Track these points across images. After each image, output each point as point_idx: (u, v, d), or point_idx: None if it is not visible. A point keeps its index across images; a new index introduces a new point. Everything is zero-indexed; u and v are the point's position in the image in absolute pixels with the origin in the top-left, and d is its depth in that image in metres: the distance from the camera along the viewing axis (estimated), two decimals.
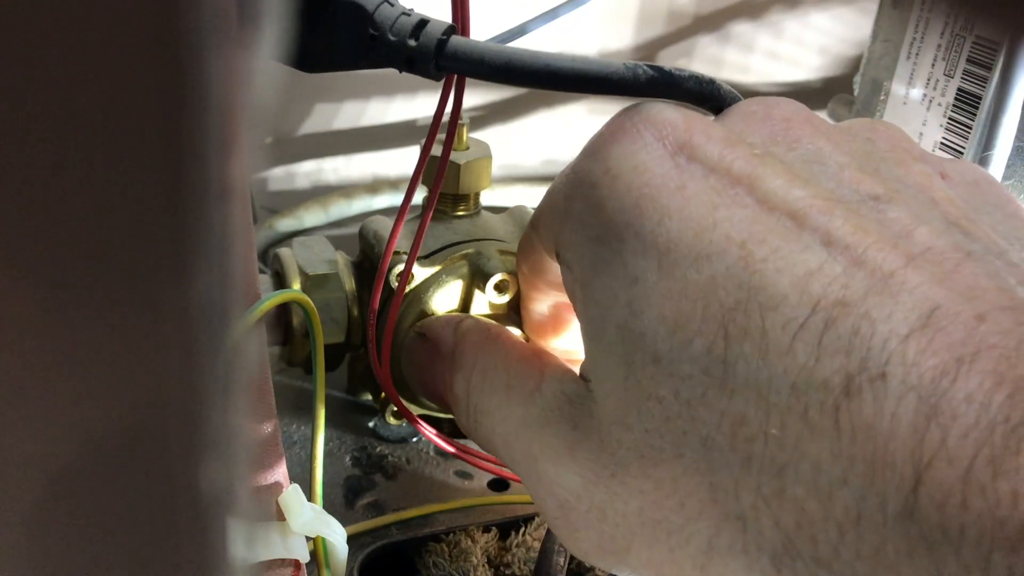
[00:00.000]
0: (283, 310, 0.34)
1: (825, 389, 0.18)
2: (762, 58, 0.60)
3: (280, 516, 0.26)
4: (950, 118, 0.41)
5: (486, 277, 0.33)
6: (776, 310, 0.19)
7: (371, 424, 0.38)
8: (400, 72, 0.26)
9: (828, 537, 0.18)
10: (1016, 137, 0.40)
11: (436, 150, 0.31)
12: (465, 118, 0.32)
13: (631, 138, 0.22)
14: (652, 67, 0.24)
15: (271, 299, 0.25)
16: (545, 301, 0.30)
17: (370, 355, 0.32)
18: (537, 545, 0.32)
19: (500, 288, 0.33)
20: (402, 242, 0.33)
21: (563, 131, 0.58)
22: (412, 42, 0.25)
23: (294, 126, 0.53)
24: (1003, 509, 0.16)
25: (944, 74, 0.41)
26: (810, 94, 0.61)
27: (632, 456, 0.21)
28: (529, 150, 0.58)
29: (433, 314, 0.33)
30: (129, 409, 0.12)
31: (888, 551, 0.17)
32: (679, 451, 0.20)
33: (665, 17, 0.57)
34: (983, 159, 0.40)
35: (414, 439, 0.38)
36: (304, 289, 0.34)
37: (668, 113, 0.22)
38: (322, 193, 0.54)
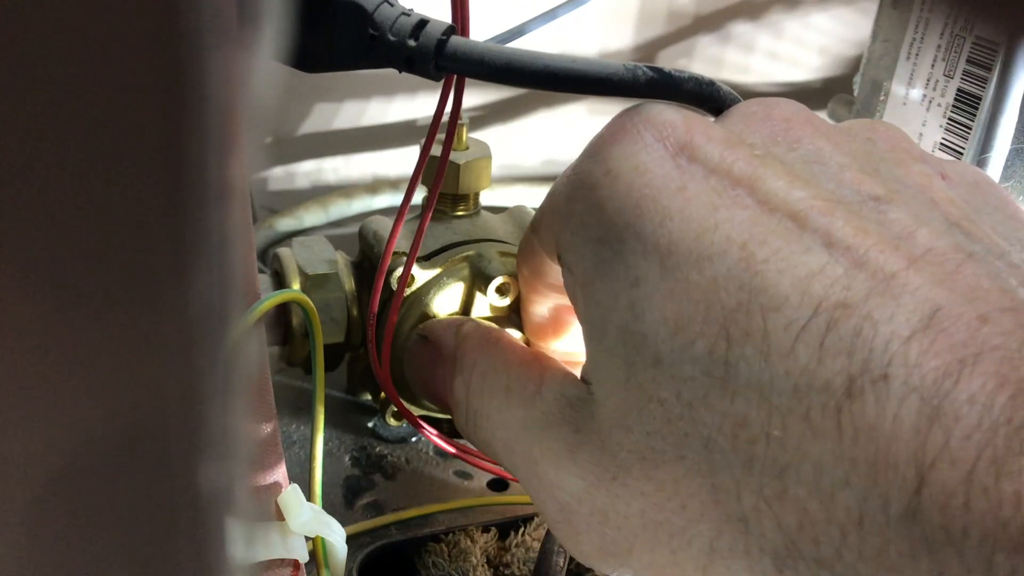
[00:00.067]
0: (283, 310, 0.34)
1: (827, 390, 0.18)
2: (762, 58, 0.60)
3: (279, 516, 0.25)
4: (950, 119, 0.41)
5: (487, 280, 0.33)
6: (778, 311, 0.19)
7: (370, 424, 0.38)
8: (400, 72, 0.26)
9: (830, 538, 0.18)
10: (1014, 139, 0.40)
11: (436, 150, 0.31)
12: (465, 118, 0.32)
13: (632, 139, 0.22)
14: (652, 68, 0.24)
15: (271, 299, 0.25)
16: (545, 303, 0.30)
17: (370, 356, 0.32)
18: (536, 545, 0.32)
19: (501, 291, 0.33)
20: (402, 242, 0.33)
21: (563, 131, 0.58)
22: (412, 42, 0.25)
23: (294, 126, 0.53)
24: (1006, 510, 0.16)
25: (944, 75, 0.41)
26: (810, 94, 0.61)
27: (633, 458, 0.21)
28: (529, 150, 0.58)
29: (434, 316, 0.33)
30: (129, 409, 0.12)
31: (891, 552, 0.17)
32: (681, 453, 0.20)
33: (665, 17, 0.57)
34: (981, 161, 0.40)
35: (413, 439, 0.38)
36: (304, 289, 0.34)
37: (668, 114, 0.22)
38: (322, 193, 0.54)
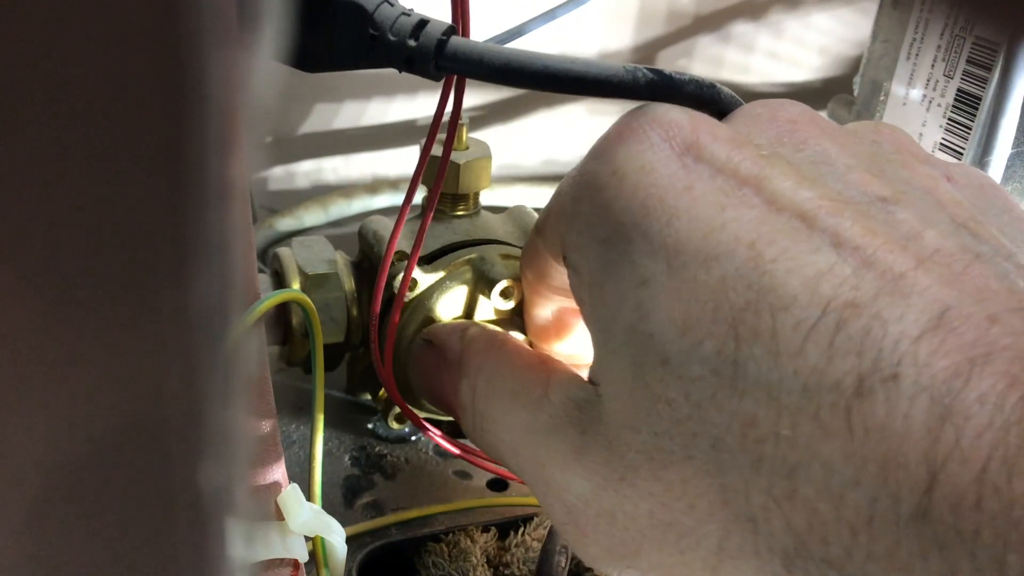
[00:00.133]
0: (282, 310, 0.34)
1: (837, 390, 0.18)
2: (762, 58, 0.60)
3: (279, 516, 0.26)
4: (950, 119, 0.41)
5: (491, 283, 0.32)
6: (787, 311, 0.19)
7: (370, 425, 0.38)
8: (400, 72, 0.26)
9: (840, 538, 0.18)
10: (1016, 141, 0.40)
11: (436, 150, 0.31)
12: (465, 118, 0.32)
13: (638, 139, 0.22)
14: (652, 70, 0.24)
15: (270, 299, 0.25)
16: (549, 306, 0.30)
17: (373, 356, 0.32)
18: (536, 545, 0.32)
19: (505, 294, 0.33)
20: (402, 242, 0.33)
21: (563, 131, 0.58)
22: (412, 42, 0.25)
23: (294, 126, 0.53)
24: (1018, 510, 0.16)
25: (944, 75, 0.41)
26: (810, 94, 0.61)
27: (641, 459, 0.21)
28: (529, 150, 0.58)
29: (437, 320, 0.33)
30: (129, 409, 0.12)
31: (901, 553, 0.17)
32: (689, 453, 0.20)
33: (665, 17, 0.57)
34: (982, 165, 0.40)
35: (412, 438, 0.38)
36: (303, 289, 0.34)
37: (674, 114, 0.22)
38: (322, 193, 0.54)
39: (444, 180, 0.31)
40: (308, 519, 0.25)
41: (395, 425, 0.37)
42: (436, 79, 0.26)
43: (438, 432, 0.32)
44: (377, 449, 0.37)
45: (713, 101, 0.25)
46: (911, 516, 0.17)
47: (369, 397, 0.39)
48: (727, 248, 0.20)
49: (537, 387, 0.24)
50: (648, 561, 0.21)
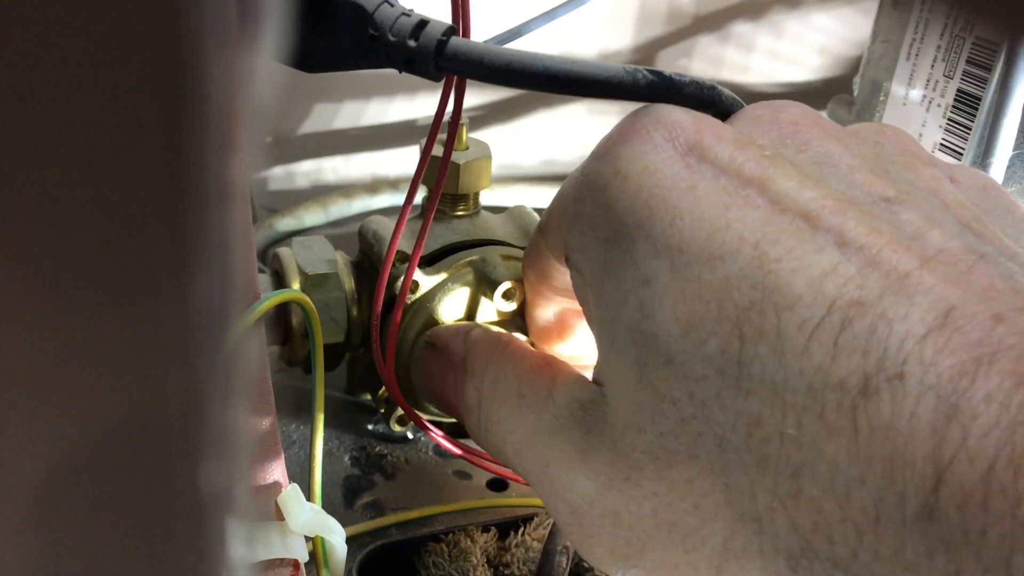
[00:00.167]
0: (282, 309, 0.34)
1: (842, 389, 0.18)
2: (762, 58, 0.60)
3: (279, 516, 0.26)
4: (949, 119, 0.41)
5: (493, 285, 0.32)
6: (791, 310, 0.19)
7: (370, 426, 0.38)
8: (400, 72, 0.26)
9: (846, 538, 0.18)
10: (1016, 142, 0.40)
11: (436, 150, 0.31)
12: (465, 118, 0.32)
13: (641, 139, 0.22)
14: (652, 72, 0.24)
15: (270, 299, 0.25)
16: (551, 307, 0.30)
17: (374, 355, 0.32)
18: (536, 545, 0.32)
19: (508, 296, 0.33)
20: (402, 243, 0.33)
21: (563, 131, 0.58)
22: (412, 43, 0.25)
23: (294, 126, 0.53)
24: None
25: (944, 75, 0.41)
26: (810, 94, 0.61)
27: (646, 459, 0.21)
28: (529, 150, 0.58)
29: (440, 322, 0.33)
30: (129, 409, 0.12)
31: (907, 552, 0.17)
32: (694, 452, 0.20)
33: (665, 17, 0.57)
34: (982, 167, 0.40)
35: (412, 439, 0.38)
36: (303, 289, 0.34)
37: (678, 115, 0.22)
38: (322, 193, 0.54)
39: (444, 180, 0.31)
40: (308, 519, 0.25)
41: (397, 428, 0.37)
42: (436, 79, 0.26)
43: (440, 433, 0.32)
44: (377, 449, 0.37)
45: (713, 103, 0.25)
46: (917, 515, 0.17)
47: (369, 397, 0.39)
48: (731, 248, 0.20)
49: (542, 388, 0.24)
50: (652, 561, 0.21)
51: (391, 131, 0.55)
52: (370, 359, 0.36)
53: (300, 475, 0.28)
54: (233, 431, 0.13)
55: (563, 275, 0.26)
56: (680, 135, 0.22)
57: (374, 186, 0.54)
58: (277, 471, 0.26)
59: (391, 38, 0.25)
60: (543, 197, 0.54)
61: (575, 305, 0.26)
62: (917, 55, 0.43)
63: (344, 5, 0.25)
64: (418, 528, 0.33)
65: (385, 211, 0.53)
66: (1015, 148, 0.40)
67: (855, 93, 0.47)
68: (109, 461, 0.12)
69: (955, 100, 0.41)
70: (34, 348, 0.11)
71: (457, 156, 0.34)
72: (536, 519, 0.34)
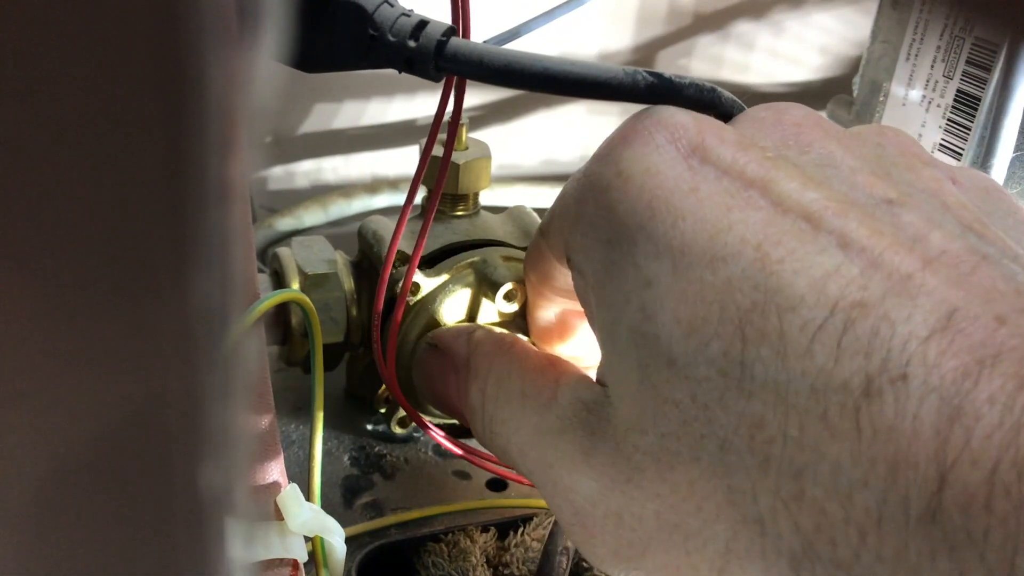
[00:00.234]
0: (282, 309, 0.34)
1: (845, 390, 0.18)
2: (762, 58, 0.60)
3: (278, 516, 0.26)
4: (949, 119, 0.41)
5: (495, 286, 0.32)
6: (794, 312, 0.19)
7: (369, 427, 0.38)
8: (400, 73, 0.26)
9: (848, 540, 0.18)
10: (1017, 143, 0.40)
11: (436, 151, 0.31)
12: (465, 118, 0.32)
13: (643, 141, 0.22)
14: (652, 74, 0.24)
15: (270, 299, 0.25)
16: (552, 308, 0.30)
17: (375, 356, 0.32)
18: (536, 545, 0.32)
19: (509, 297, 0.33)
20: (402, 243, 0.33)
21: (563, 131, 0.58)
22: (412, 43, 0.25)
23: (294, 125, 0.53)
24: None
25: (943, 75, 0.41)
26: (810, 94, 0.61)
27: (648, 460, 0.21)
28: (528, 150, 0.58)
29: (441, 324, 0.33)
30: (128, 409, 0.12)
31: (910, 554, 0.17)
32: (696, 454, 0.20)
33: (665, 17, 0.57)
34: (983, 168, 0.40)
35: (412, 439, 0.38)
36: (303, 289, 0.34)
37: (680, 116, 0.22)
38: (321, 192, 0.54)
39: (444, 180, 0.31)
40: (307, 519, 0.25)
41: (398, 430, 0.37)
42: (436, 80, 0.26)
43: (441, 433, 0.32)
44: (376, 449, 0.37)
45: (713, 105, 0.25)
46: (920, 517, 0.17)
47: (368, 397, 0.39)
48: (733, 249, 0.20)
49: (546, 389, 0.24)
50: (654, 562, 0.21)
51: (391, 131, 0.55)
52: (370, 359, 0.36)
53: (299, 475, 0.28)
54: (233, 431, 0.13)
55: (565, 276, 0.26)
56: (682, 137, 0.22)
57: (374, 186, 0.54)
58: (276, 471, 0.26)
59: (391, 38, 0.25)
60: (543, 197, 0.54)
61: (576, 306, 0.26)
62: (917, 55, 0.43)
63: (344, 5, 0.25)
64: (417, 528, 0.33)
65: (385, 211, 0.53)
66: (1016, 150, 0.40)
67: (855, 93, 0.47)
68: (109, 461, 0.12)
69: (954, 100, 0.41)
70: (34, 348, 0.11)
71: (457, 156, 0.34)
72: (536, 519, 0.34)
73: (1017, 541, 0.16)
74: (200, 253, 0.11)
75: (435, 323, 0.33)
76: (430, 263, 0.34)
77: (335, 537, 0.27)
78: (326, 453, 0.37)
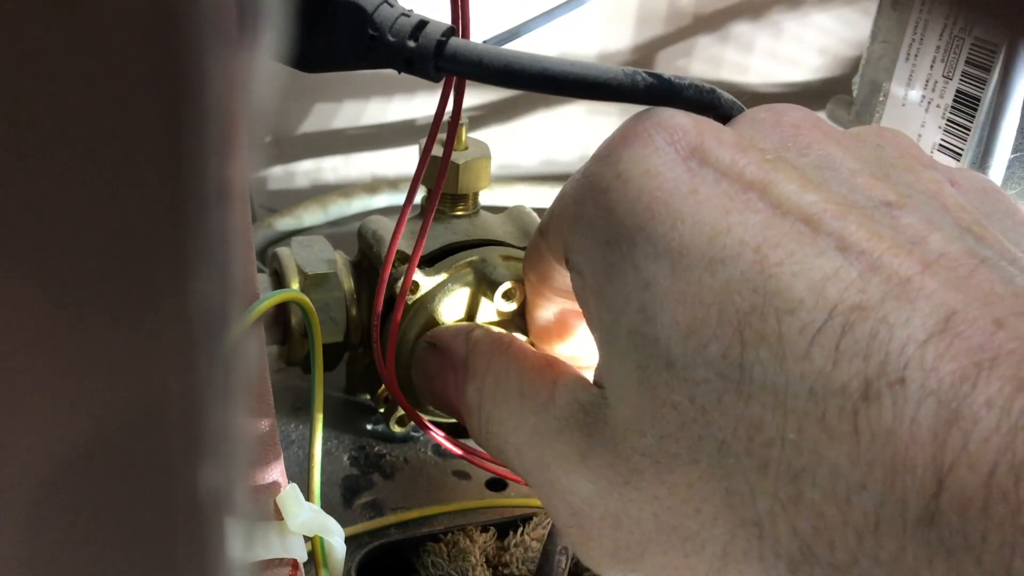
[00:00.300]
0: (282, 309, 0.34)
1: (843, 394, 0.18)
2: (762, 58, 0.60)
3: (278, 516, 0.26)
4: (948, 120, 0.41)
5: (494, 286, 0.32)
6: (793, 314, 0.19)
7: (369, 427, 0.38)
8: (399, 73, 0.26)
9: (846, 543, 0.18)
10: (1016, 144, 0.40)
11: (436, 151, 0.31)
12: (464, 118, 0.32)
13: (643, 142, 0.22)
14: (651, 75, 0.24)
15: (270, 299, 0.25)
16: (551, 308, 0.30)
17: (375, 356, 0.32)
18: (535, 545, 0.32)
19: (508, 296, 0.33)
20: (402, 243, 0.33)
21: (562, 131, 0.58)
22: (411, 43, 0.25)
23: (293, 125, 0.53)
24: None
25: (943, 76, 0.41)
26: (809, 95, 0.61)
27: (647, 462, 0.21)
28: (528, 150, 0.58)
29: (440, 323, 0.33)
30: (129, 409, 0.12)
31: (907, 558, 0.17)
32: (694, 456, 0.20)
33: (664, 17, 0.57)
34: (981, 169, 0.40)
35: (412, 439, 0.38)
36: (303, 288, 0.34)
37: (679, 118, 0.22)
38: (321, 192, 0.54)
39: (444, 180, 0.31)
40: (307, 519, 0.25)
41: (397, 429, 0.37)
42: (435, 80, 0.26)
43: (441, 433, 0.32)
44: (376, 449, 0.37)
45: (712, 106, 0.25)
46: (918, 521, 0.17)
47: (368, 397, 0.39)
48: (732, 252, 0.20)
49: (544, 389, 0.24)
50: (652, 565, 0.21)
51: (390, 131, 0.55)
52: (369, 359, 0.36)
53: (299, 475, 0.28)
54: (232, 431, 0.13)
55: (563, 276, 0.26)
56: (682, 138, 0.22)
57: (373, 186, 0.54)
58: (276, 471, 0.26)
59: (391, 38, 0.25)
60: (542, 197, 0.54)
61: (575, 306, 0.26)
62: (916, 56, 0.43)
63: (344, 5, 0.25)
64: (417, 528, 0.33)
65: (384, 211, 0.53)
66: (1014, 150, 0.40)
67: (854, 93, 0.47)
68: (109, 461, 0.12)
69: (954, 101, 0.41)
70: (33, 349, 0.11)
71: (456, 156, 0.34)
72: (535, 519, 0.34)
73: (1014, 545, 0.16)
74: (200, 253, 0.11)
75: (434, 322, 0.33)
76: (430, 263, 0.34)
77: (335, 537, 0.27)
78: (326, 453, 0.37)
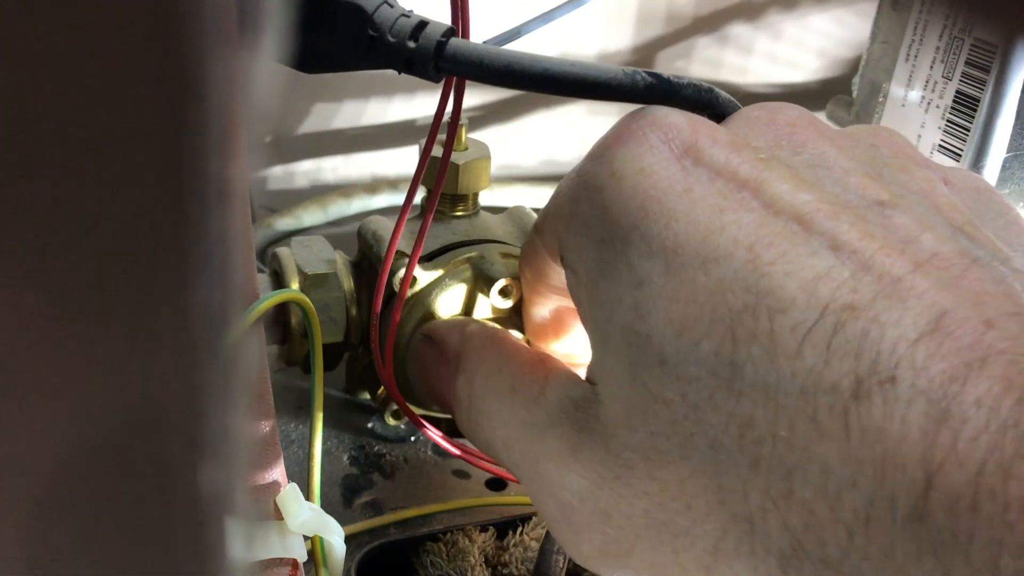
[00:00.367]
0: (282, 309, 0.34)
1: (834, 392, 0.18)
2: (760, 60, 0.60)
3: (278, 515, 0.26)
4: (948, 120, 0.41)
5: (490, 282, 0.33)
6: (785, 313, 0.19)
7: (369, 425, 0.38)
8: (399, 73, 0.26)
9: (837, 539, 0.18)
10: (1014, 143, 0.40)
11: (436, 151, 0.31)
12: (464, 118, 0.32)
13: (637, 141, 0.22)
14: (651, 74, 0.24)
15: (270, 299, 0.25)
16: (547, 305, 0.30)
17: (373, 355, 0.32)
18: (534, 545, 0.32)
19: (504, 293, 0.33)
20: (401, 243, 0.33)
21: (562, 131, 0.58)
22: (411, 44, 0.25)
23: (293, 125, 0.53)
24: (1013, 513, 0.16)
25: (943, 76, 0.41)
26: (808, 96, 0.61)
27: (637, 458, 0.21)
28: (528, 150, 0.58)
29: (436, 317, 0.33)
30: (129, 410, 0.12)
31: (897, 554, 0.17)
32: (686, 453, 0.20)
33: (664, 18, 0.57)
34: (977, 168, 0.40)
35: (412, 438, 0.38)
36: (303, 288, 0.34)
37: (674, 117, 0.22)
38: (321, 192, 0.54)
39: (444, 181, 0.31)
40: (307, 519, 0.25)
41: (391, 421, 0.37)
42: (435, 80, 0.26)
43: (438, 432, 0.32)
44: (376, 448, 0.37)
45: (710, 104, 0.25)
46: (907, 518, 0.17)
47: (368, 396, 0.39)
48: (725, 251, 0.20)
49: (535, 384, 0.25)
50: (641, 561, 0.21)
51: (390, 131, 0.55)
52: (369, 359, 0.36)
53: (299, 474, 0.28)
54: (233, 431, 0.13)
55: (559, 274, 0.26)
56: (676, 137, 0.22)
57: (373, 186, 0.54)
58: (276, 471, 0.26)
59: (391, 39, 0.25)
60: (542, 197, 0.54)
61: (571, 304, 0.26)
62: (916, 56, 0.43)
63: (344, 6, 0.25)
64: (416, 528, 0.33)
65: (384, 211, 0.53)
66: (1011, 150, 0.40)
67: (854, 94, 0.47)
68: (109, 461, 0.12)
69: (954, 101, 0.41)
70: (34, 350, 0.11)
71: (456, 156, 0.34)
72: (534, 519, 0.34)
73: (1002, 542, 0.16)
74: (200, 253, 0.11)
75: (431, 316, 0.33)
76: (429, 261, 0.34)
77: (334, 536, 0.27)
78: (326, 452, 0.37)
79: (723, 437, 0.19)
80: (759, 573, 0.19)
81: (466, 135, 0.35)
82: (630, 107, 0.24)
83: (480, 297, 0.33)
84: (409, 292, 0.33)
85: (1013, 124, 0.39)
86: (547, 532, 0.31)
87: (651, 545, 0.21)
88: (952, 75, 0.41)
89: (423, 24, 0.25)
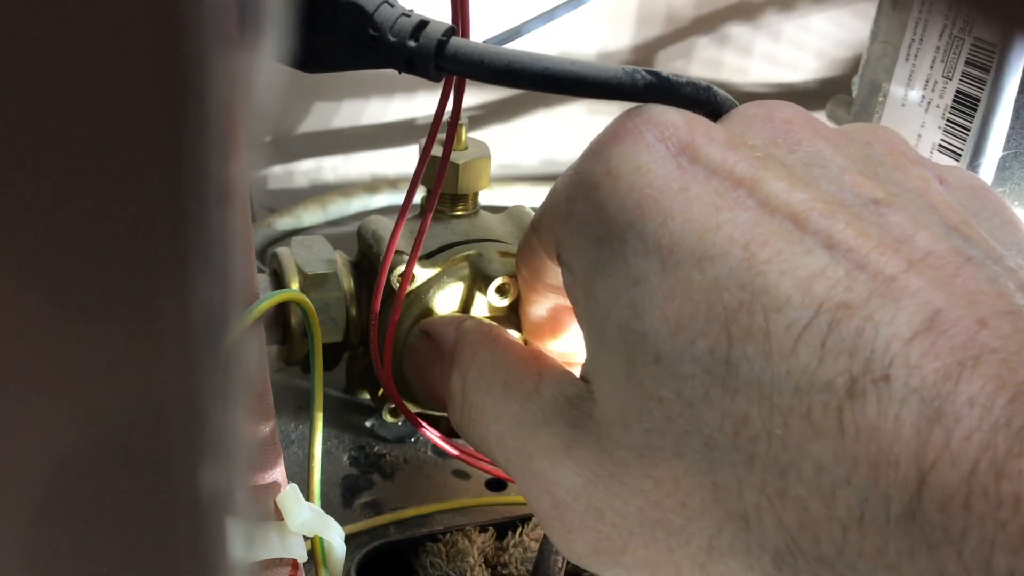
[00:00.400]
0: (281, 309, 0.34)
1: (829, 390, 0.18)
2: (760, 60, 0.60)
3: (278, 516, 0.26)
4: (948, 120, 0.41)
5: (487, 280, 0.33)
6: (779, 312, 0.19)
7: (369, 424, 0.38)
8: (400, 73, 0.26)
9: (831, 536, 0.18)
10: (1012, 144, 0.40)
11: (435, 150, 0.31)
12: (464, 118, 0.32)
13: (633, 139, 0.22)
14: (650, 72, 0.24)
15: (270, 299, 0.25)
16: (544, 304, 0.30)
17: (372, 355, 0.32)
18: (534, 545, 0.32)
19: (501, 291, 0.33)
20: (401, 243, 0.33)
21: (562, 131, 0.58)
22: (412, 43, 0.25)
23: (293, 125, 0.53)
24: (1005, 512, 0.16)
25: (943, 76, 0.41)
26: (808, 96, 0.61)
27: (631, 456, 0.21)
28: (528, 150, 0.58)
29: (434, 315, 0.33)
30: (129, 410, 0.12)
31: (890, 551, 0.17)
32: (680, 451, 0.20)
33: (663, 19, 0.57)
34: (973, 167, 0.40)
35: (412, 439, 0.38)
36: (302, 288, 0.34)
37: (670, 115, 0.22)
38: (321, 192, 0.54)
39: (443, 180, 0.31)
40: (307, 519, 0.25)
41: (389, 418, 0.37)
42: (436, 80, 0.26)
43: (436, 433, 0.32)
44: (376, 449, 0.37)
45: (709, 103, 0.25)
46: (901, 515, 0.17)
47: (367, 396, 0.39)
48: (721, 249, 0.20)
49: (529, 381, 0.25)
50: (635, 559, 0.21)
51: (390, 130, 0.55)
52: (369, 359, 0.36)
53: (299, 475, 0.28)
54: (233, 431, 0.13)
55: (555, 272, 0.26)
56: (672, 135, 0.22)
57: (373, 185, 0.54)
58: (276, 471, 0.26)
59: (391, 38, 0.25)
60: (542, 197, 0.54)
61: (568, 302, 0.26)
62: (916, 56, 0.43)
63: (344, 5, 0.25)
64: (416, 528, 0.33)
65: (384, 210, 0.53)
66: (1008, 148, 0.40)
67: (854, 94, 0.47)
68: (109, 462, 0.12)
69: (954, 101, 0.41)
70: (34, 350, 0.11)
71: (456, 156, 0.34)
72: (534, 519, 0.34)
73: (994, 540, 0.16)
74: (200, 253, 0.11)
75: (428, 313, 0.33)
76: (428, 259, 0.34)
77: (334, 537, 0.27)
78: (326, 453, 0.37)
79: (718, 435, 0.20)
80: (754, 571, 0.20)
81: (466, 134, 0.35)
82: (630, 106, 0.24)
83: (478, 295, 0.33)
84: (407, 289, 0.33)
85: (1010, 122, 0.39)
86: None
87: (645, 543, 0.21)
88: (952, 75, 0.41)
89: (423, 23, 0.25)
